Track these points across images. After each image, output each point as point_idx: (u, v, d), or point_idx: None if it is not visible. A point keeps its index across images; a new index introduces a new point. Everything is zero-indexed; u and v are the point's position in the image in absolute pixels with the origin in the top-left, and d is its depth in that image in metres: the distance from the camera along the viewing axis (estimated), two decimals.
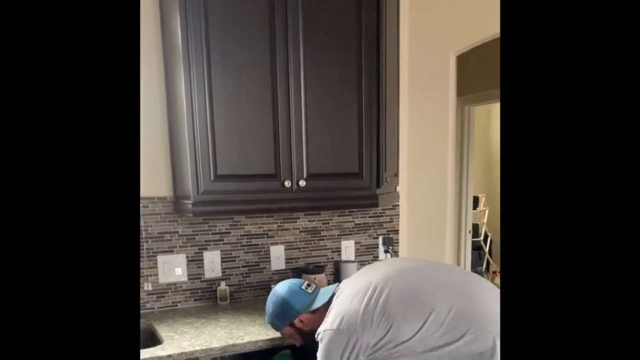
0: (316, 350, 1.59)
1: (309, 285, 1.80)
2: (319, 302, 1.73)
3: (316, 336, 1.60)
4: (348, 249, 2.59)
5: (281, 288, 1.79)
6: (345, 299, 1.60)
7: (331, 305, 1.65)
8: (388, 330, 1.50)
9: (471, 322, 1.47)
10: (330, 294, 1.73)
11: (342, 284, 1.75)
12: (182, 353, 1.76)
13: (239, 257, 2.37)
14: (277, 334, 1.88)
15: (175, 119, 2.04)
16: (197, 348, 1.79)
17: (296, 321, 1.73)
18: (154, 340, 1.94)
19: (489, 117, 6.10)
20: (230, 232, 2.34)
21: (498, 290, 1.58)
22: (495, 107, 5.81)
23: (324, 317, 1.64)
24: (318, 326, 1.63)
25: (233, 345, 1.83)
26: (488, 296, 1.57)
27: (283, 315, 1.74)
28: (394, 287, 1.55)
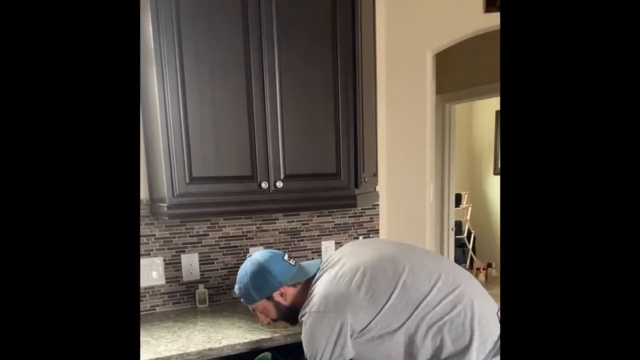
0: (293, 344, 1.57)
1: (290, 257, 1.69)
2: (303, 276, 1.65)
3: (300, 317, 1.53)
4: (328, 249, 2.58)
5: (262, 256, 1.65)
6: (332, 279, 1.53)
7: (316, 284, 1.57)
8: (375, 316, 1.46)
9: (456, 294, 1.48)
10: (315, 269, 1.65)
11: (325, 262, 1.67)
12: (157, 359, 1.73)
13: (217, 259, 2.35)
14: (255, 337, 1.87)
15: (149, 121, 2.01)
16: (174, 353, 1.76)
17: (276, 294, 1.62)
18: None
19: (470, 114, 6.14)
20: (208, 234, 2.31)
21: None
22: (477, 105, 5.84)
23: (306, 293, 1.58)
24: (298, 302, 1.58)
25: (210, 349, 1.81)
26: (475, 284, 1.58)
27: (263, 285, 1.61)
28: (380, 274, 1.50)
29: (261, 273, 1.61)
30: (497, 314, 1.53)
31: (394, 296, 1.46)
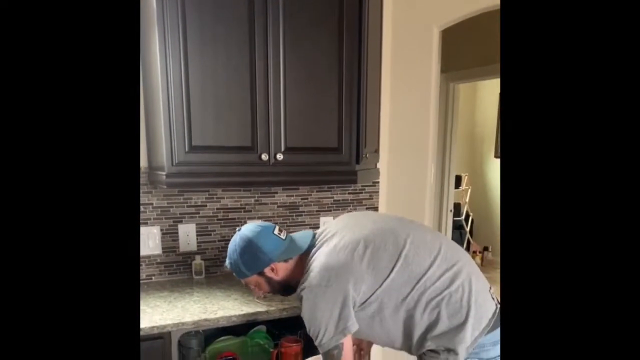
0: (289, 318, 1.55)
1: (281, 230, 1.60)
2: (295, 251, 1.58)
3: (299, 291, 1.48)
4: (328, 222, 2.56)
5: (250, 232, 1.56)
6: (332, 251, 1.48)
7: (313, 257, 1.52)
8: (376, 290, 1.44)
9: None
10: (307, 242, 1.59)
11: (320, 235, 1.61)
12: (153, 327, 1.73)
13: (214, 231, 2.33)
14: (251, 310, 1.87)
15: (150, 88, 1.98)
16: (169, 322, 1.76)
17: (267, 270, 1.55)
18: None
19: (475, 95, 6.07)
20: (206, 205, 2.30)
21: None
22: (482, 85, 5.78)
23: (299, 266, 1.55)
24: (292, 276, 1.55)
25: (206, 320, 1.80)
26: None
27: (253, 262, 1.54)
28: (382, 247, 1.47)
29: (250, 250, 1.53)
30: (490, 291, 1.52)
31: (395, 269, 1.44)
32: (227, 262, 1.61)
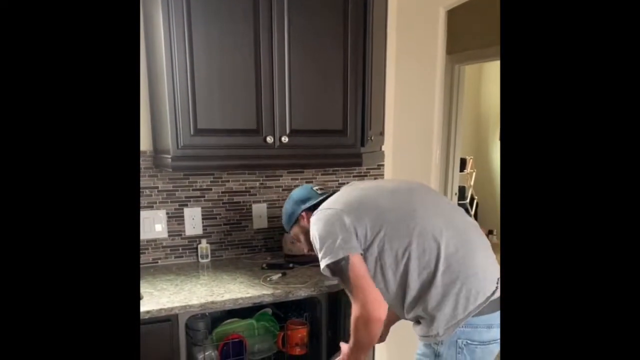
0: (294, 301, 1.55)
1: (320, 188, 1.79)
2: (317, 199, 1.71)
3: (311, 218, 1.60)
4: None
5: (295, 190, 1.81)
6: (346, 191, 1.63)
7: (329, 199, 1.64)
8: (378, 234, 1.47)
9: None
10: (329, 194, 1.72)
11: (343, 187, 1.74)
12: (160, 309, 1.73)
13: (220, 214, 2.33)
14: (258, 293, 1.87)
15: (154, 70, 1.97)
16: (176, 304, 1.77)
17: (300, 218, 1.73)
18: None
19: (480, 76, 6.02)
20: (211, 189, 2.29)
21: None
22: (487, 66, 5.73)
23: None
24: None
25: (212, 302, 1.81)
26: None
27: (288, 212, 1.76)
28: (395, 198, 1.56)
29: (289, 202, 1.77)
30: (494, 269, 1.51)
31: (395, 215, 1.49)
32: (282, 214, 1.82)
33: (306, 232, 1.67)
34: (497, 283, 1.47)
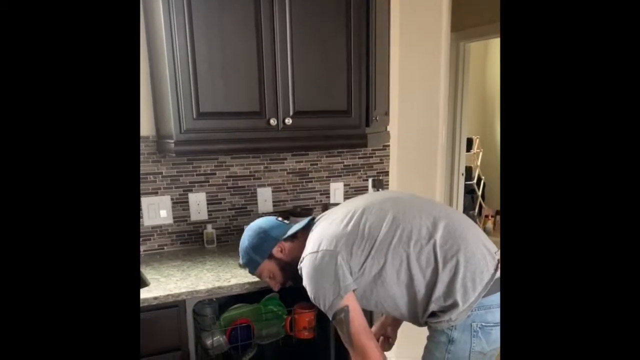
0: (301, 286, 1.52)
1: (284, 219, 1.73)
2: (295, 228, 1.64)
3: (299, 264, 1.52)
4: (337, 191, 2.54)
5: (255, 222, 1.69)
6: (325, 225, 1.54)
7: (311, 234, 1.57)
8: (370, 251, 1.44)
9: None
10: (307, 221, 1.66)
11: (321, 215, 1.66)
12: (168, 295, 1.73)
13: (225, 199, 2.31)
14: None
15: (154, 53, 1.94)
16: (183, 290, 1.76)
17: (275, 250, 1.61)
18: (140, 282, 1.91)
19: (486, 54, 5.92)
20: (215, 174, 2.27)
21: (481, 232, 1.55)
22: (493, 44, 5.64)
23: (304, 245, 1.56)
24: (299, 256, 1.55)
25: (219, 287, 1.80)
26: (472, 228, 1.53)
27: (261, 245, 1.62)
28: (373, 212, 1.50)
29: (257, 234, 1.63)
30: (491, 250, 1.48)
31: (384, 227, 1.45)
32: (241, 260, 1.68)
33: (281, 264, 1.62)
34: (497, 257, 1.45)
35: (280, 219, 1.70)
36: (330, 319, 1.45)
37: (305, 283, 1.48)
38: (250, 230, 1.66)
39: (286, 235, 1.63)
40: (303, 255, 1.51)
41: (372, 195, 1.70)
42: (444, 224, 1.46)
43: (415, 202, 1.59)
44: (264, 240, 1.62)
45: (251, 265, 1.66)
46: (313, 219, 1.66)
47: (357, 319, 1.43)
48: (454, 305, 1.40)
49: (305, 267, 1.48)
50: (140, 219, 2.17)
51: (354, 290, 1.44)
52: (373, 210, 1.51)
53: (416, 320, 1.51)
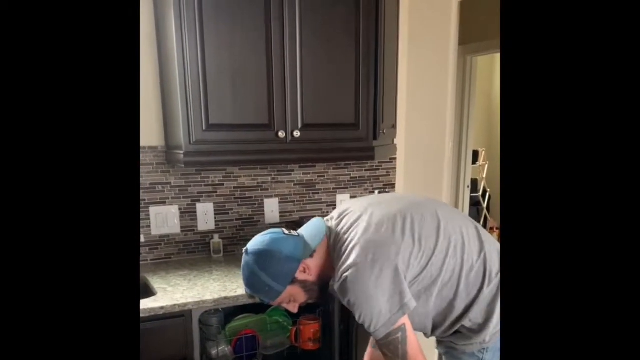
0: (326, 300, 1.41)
1: (289, 230, 1.42)
2: (316, 239, 1.39)
3: (339, 276, 1.29)
4: (343, 202, 2.54)
5: (261, 244, 1.35)
6: (366, 230, 1.31)
7: (346, 241, 1.34)
8: (426, 265, 1.31)
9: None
10: (321, 229, 1.42)
11: (340, 219, 1.43)
12: (174, 305, 1.74)
13: (232, 209, 2.33)
14: None
15: (166, 65, 1.97)
16: (190, 300, 1.77)
17: (298, 273, 1.34)
18: (147, 291, 1.93)
19: (492, 67, 5.94)
20: (223, 184, 2.29)
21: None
22: (499, 58, 5.66)
23: (329, 257, 1.37)
24: (325, 270, 1.36)
25: (226, 298, 1.81)
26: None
27: (282, 271, 1.32)
28: (421, 219, 1.35)
29: (273, 260, 1.32)
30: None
31: (440, 241, 1.32)
32: (249, 291, 1.39)
33: (306, 286, 1.38)
34: None
35: (285, 231, 1.40)
36: (379, 338, 1.29)
37: (353, 296, 1.27)
38: (259, 257, 1.33)
39: (309, 253, 1.37)
40: (349, 263, 1.28)
41: (400, 197, 1.58)
42: (485, 237, 1.40)
43: (450, 209, 1.50)
44: (284, 264, 1.32)
45: (271, 295, 1.36)
46: (324, 222, 1.46)
47: (413, 339, 1.28)
48: (486, 325, 1.34)
49: (351, 281, 1.26)
50: (148, 228, 2.19)
51: None
52: (419, 217, 1.35)
53: (430, 332, 1.44)
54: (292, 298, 1.39)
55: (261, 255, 1.33)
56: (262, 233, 1.41)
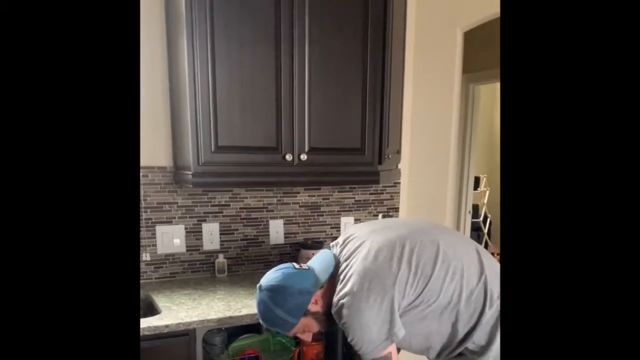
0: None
1: (300, 264, 1.50)
2: (325, 271, 1.46)
3: (336, 302, 1.37)
4: (347, 225, 2.58)
5: (275, 280, 1.42)
6: (365, 258, 1.38)
7: (346, 269, 1.41)
8: (422, 291, 1.36)
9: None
10: (330, 261, 1.49)
11: (343, 248, 1.51)
12: (179, 324, 1.75)
13: (237, 230, 2.36)
14: None
15: (176, 87, 2.01)
16: (195, 319, 1.78)
17: (310, 305, 1.41)
18: (152, 310, 1.94)
19: (494, 96, 6.02)
20: (229, 205, 2.32)
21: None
22: None
23: (334, 286, 1.43)
24: (331, 299, 1.42)
25: (230, 317, 1.83)
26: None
27: (296, 305, 1.39)
28: (420, 245, 1.40)
29: (287, 295, 1.39)
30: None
31: (437, 266, 1.37)
32: (266, 324, 1.46)
33: (317, 316, 1.45)
34: None
35: (296, 265, 1.48)
36: None
37: (347, 322, 1.35)
38: (275, 293, 1.40)
39: (320, 286, 1.44)
40: (346, 290, 1.36)
41: (402, 222, 1.63)
42: (486, 261, 1.43)
43: (452, 233, 1.54)
44: (297, 298, 1.39)
45: (286, 328, 1.44)
46: (332, 253, 1.54)
47: None
48: (489, 347, 1.38)
49: (348, 307, 1.34)
50: (154, 247, 2.21)
51: None
52: (418, 244, 1.40)
53: (435, 355, 1.49)
54: (306, 328, 1.48)
55: (275, 291, 1.40)
56: (274, 269, 1.49)
